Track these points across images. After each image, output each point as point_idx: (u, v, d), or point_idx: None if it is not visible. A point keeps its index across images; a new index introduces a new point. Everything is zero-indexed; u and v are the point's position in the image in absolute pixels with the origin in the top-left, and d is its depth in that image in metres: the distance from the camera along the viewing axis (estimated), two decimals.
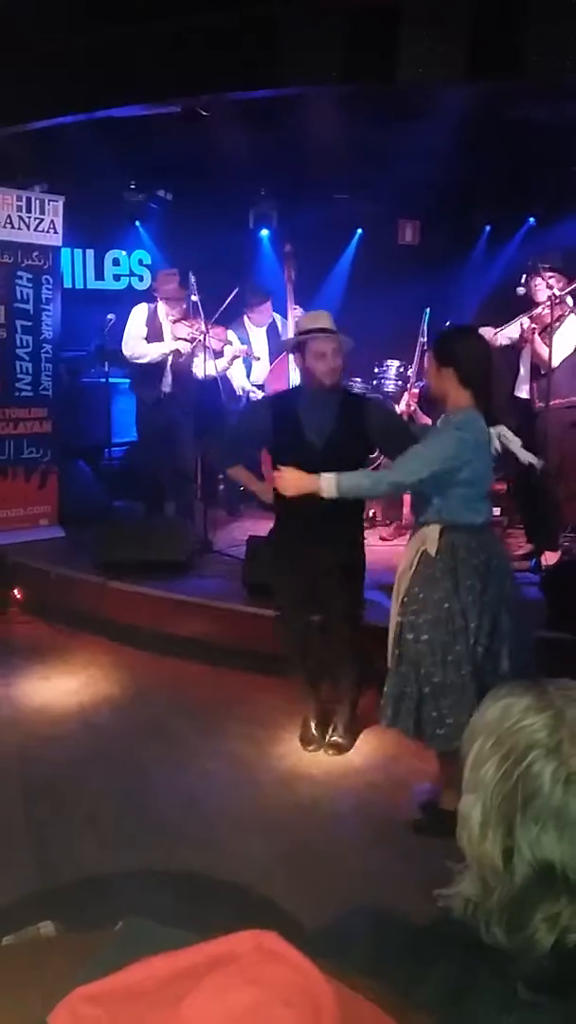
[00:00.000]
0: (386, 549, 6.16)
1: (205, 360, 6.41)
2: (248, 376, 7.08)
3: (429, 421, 6.46)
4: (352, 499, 3.50)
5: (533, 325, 5.76)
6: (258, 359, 7.02)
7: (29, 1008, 0.96)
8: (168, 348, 6.44)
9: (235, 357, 6.74)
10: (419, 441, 3.36)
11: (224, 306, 6.45)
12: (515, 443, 3.26)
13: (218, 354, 6.61)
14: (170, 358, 6.47)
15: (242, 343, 6.92)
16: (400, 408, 6.87)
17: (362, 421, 3.78)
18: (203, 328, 6.33)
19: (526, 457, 3.35)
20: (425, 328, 6.87)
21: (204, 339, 6.34)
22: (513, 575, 3.43)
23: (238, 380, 7.01)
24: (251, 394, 7.02)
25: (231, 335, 6.82)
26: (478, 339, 3.42)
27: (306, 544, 3.86)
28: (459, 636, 3.15)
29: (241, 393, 7.04)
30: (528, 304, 5.88)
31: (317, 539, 3.79)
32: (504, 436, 3.24)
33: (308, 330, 3.80)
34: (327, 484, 3.23)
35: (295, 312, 6.95)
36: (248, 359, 6.91)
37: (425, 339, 6.89)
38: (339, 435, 3.76)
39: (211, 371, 6.48)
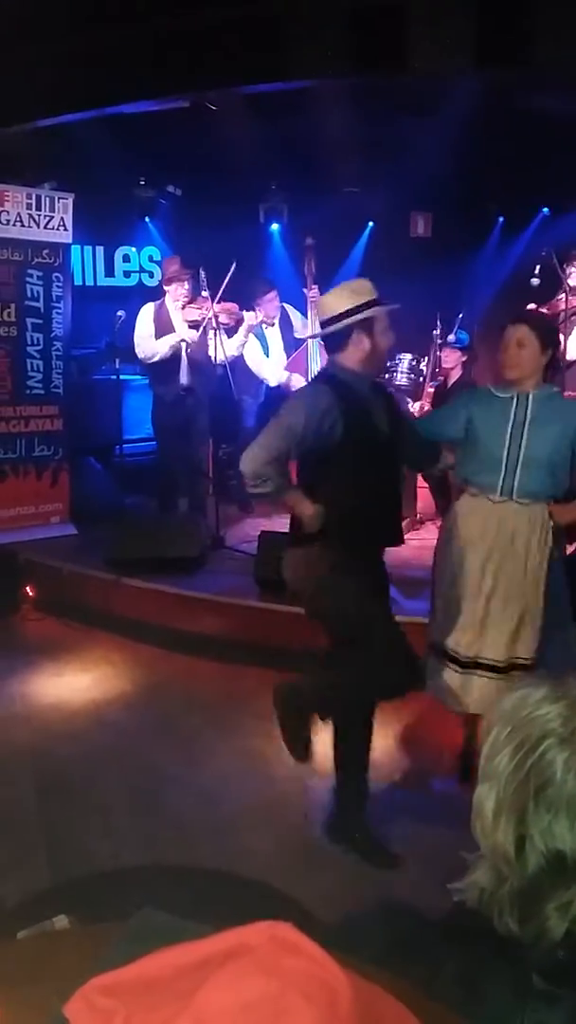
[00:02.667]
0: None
1: (219, 341, 6.36)
2: (267, 353, 7.02)
3: None
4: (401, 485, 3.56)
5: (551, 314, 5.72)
6: (272, 324, 6.99)
7: (45, 1000, 0.96)
8: (176, 339, 6.42)
9: (250, 328, 6.70)
10: (414, 433, 3.49)
11: (224, 282, 6.40)
12: None
13: (232, 331, 6.59)
14: (184, 348, 6.45)
15: (258, 338, 6.91)
16: (414, 409, 6.86)
17: (395, 411, 3.45)
18: (212, 307, 6.31)
19: None
20: (438, 322, 6.86)
21: (215, 318, 6.31)
22: None
23: (255, 363, 6.96)
24: (267, 383, 7.00)
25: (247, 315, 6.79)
26: None
27: (377, 555, 3.38)
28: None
29: (276, 384, 6.99)
30: (542, 294, 5.84)
31: (395, 539, 3.37)
32: None
33: (370, 301, 3.17)
34: None
35: (312, 292, 6.88)
36: (259, 329, 6.88)
37: (439, 334, 6.88)
38: (392, 420, 3.32)
39: (229, 352, 6.45)
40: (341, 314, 3.14)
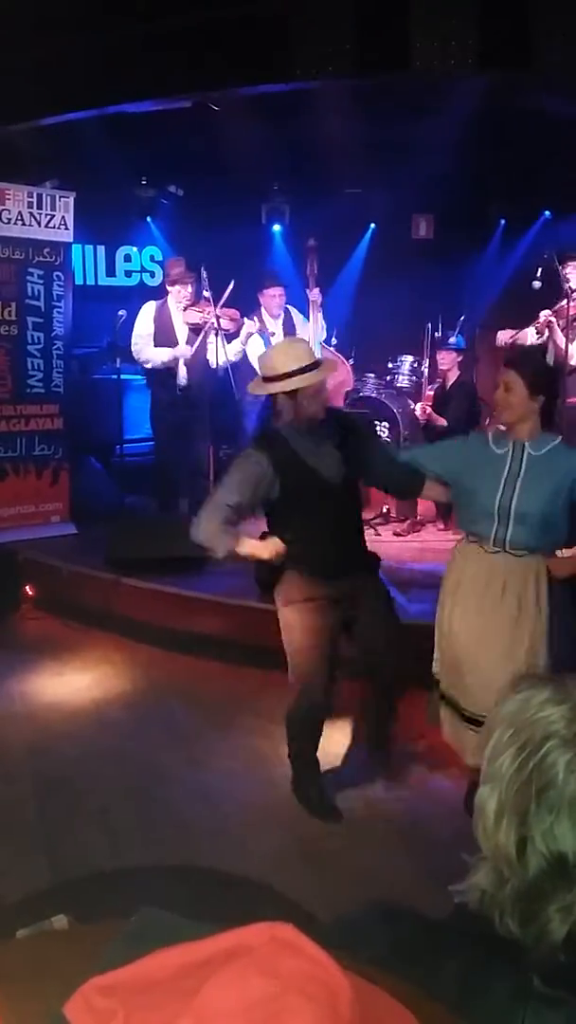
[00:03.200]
0: (399, 545, 6.15)
1: (218, 346, 6.36)
2: None
3: (444, 422, 6.45)
4: (358, 514, 3.70)
5: (556, 319, 5.71)
6: (273, 334, 6.99)
7: (45, 1000, 0.96)
8: (171, 355, 6.41)
9: (250, 334, 6.70)
10: (398, 465, 3.45)
11: (227, 293, 6.40)
12: None
13: (232, 336, 6.59)
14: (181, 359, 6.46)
15: (263, 337, 6.90)
16: (416, 410, 6.86)
17: (357, 446, 3.59)
18: (214, 311, 6.30)
19: None
20: (429, 328, 6.86)
21: (217, 321, 6.31)
22: None
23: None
24: None
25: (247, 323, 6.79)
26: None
27: (339, 577, 3.50)
28: None
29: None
30: (544, 296, 5.84)
31: (350, 569, 3.55)
32: None
33: (293, 371, 3.33)
34: None
35: (313, 293, 6.88)
36: (264, 334, 6.88)
37: (439, 337, 6.88)
38: (339, 457, 3.51)
39: (228, 357, 6.45)
40: (273, 377, 3.37)
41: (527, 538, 3.16)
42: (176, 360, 6.44)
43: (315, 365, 3.36)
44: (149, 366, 6.48)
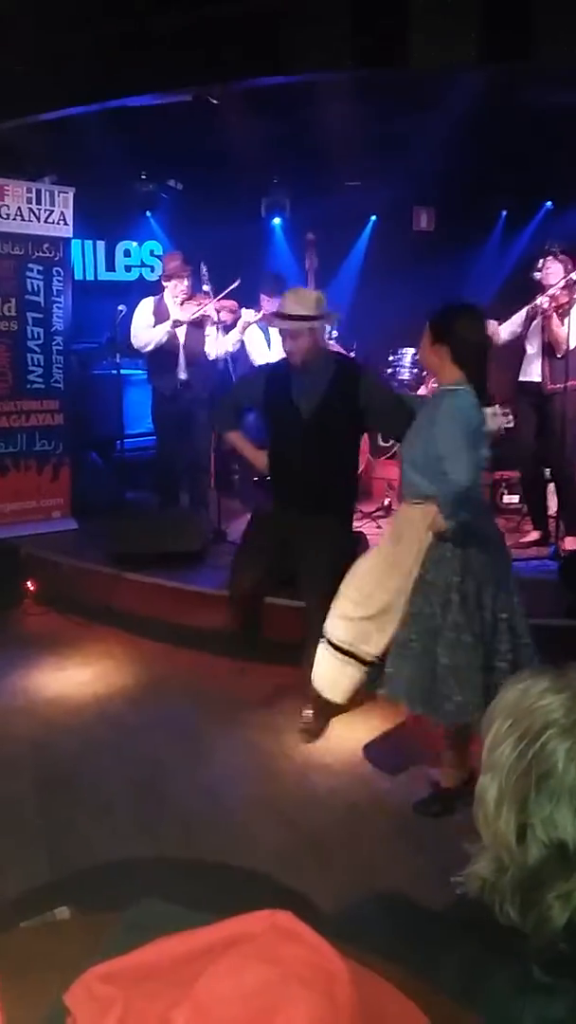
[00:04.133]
0: None
1: (217, 336, 6.35)
2: (269, 346, 7.03)
3: None
4: (345, 475, 4.08)
5: (552, 304, 5.69)
6: (270, 322, 6.97)
7: (47, 988, 0.96)
8: (169, 325, 6.39)
9: (248, 324, 6.69)
10: (413, 413, 3.49)
11: (226, 292, 6.40)
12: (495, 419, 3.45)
13: (229, 327, 6.58)
14: (181, 340, 6.44)
15: (261, 329, 6.89)
16: (420, 393, 6.85)
17: (355, 395, 3.95)
18: (212, 303, 6.29)
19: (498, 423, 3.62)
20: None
21: (216, 315, 6.30)
22: (501, 549, 3.41)
23: (258, 354, 6.96)
24: None
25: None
26: (476, 317, 3.33)
27: (295, 511, 3.98)
28: (474, 616, 3.16)
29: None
30: (542, 287, 5.83)
31: (306, 508, 3.95)
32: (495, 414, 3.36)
33: (285, 315, 3.95)
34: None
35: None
36: (263, 324, 6.88)
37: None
38: (328, 405, 3.94)
39: (225, 347, 6.44)
40: (279, 315, 4.02)
41: (410, 486, 3.31)
42: (178, 343, 6.42)
43: (305, 318, 3.87)
44: (152, 346, 6.44)
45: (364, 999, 0.82)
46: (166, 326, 6.40)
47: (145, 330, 6.43)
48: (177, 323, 6.40)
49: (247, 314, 6.66)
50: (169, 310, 6.46)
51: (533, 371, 5.88)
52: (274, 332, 6.97)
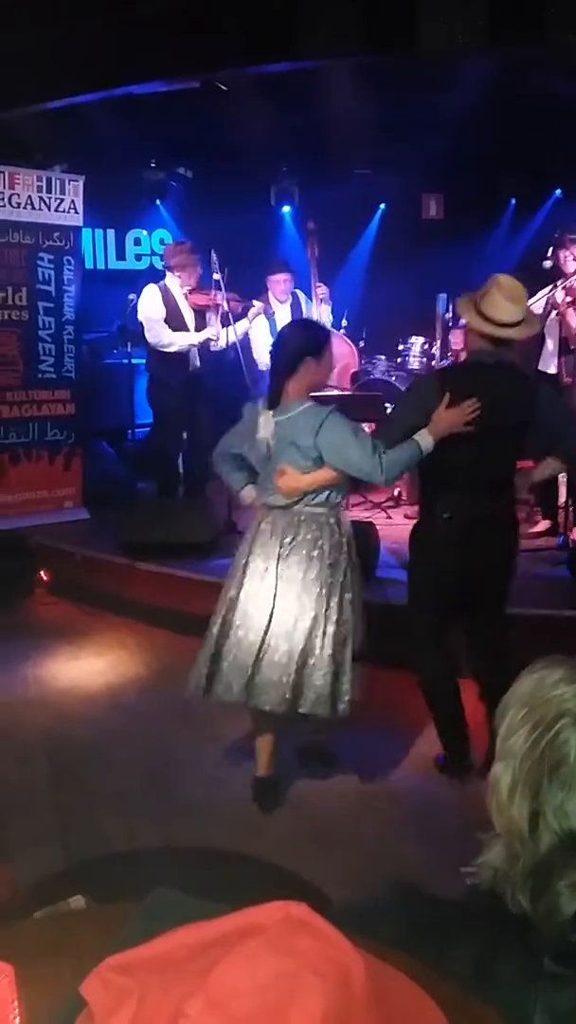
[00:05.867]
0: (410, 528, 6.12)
1: (227, 328, 6.33)
2: (274, 336, 7.00)
3: None
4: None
5: (568, 297, 5.66)
6: (283, 302, 6.95)
7: (62, 978, 0.97)
8: (197, 339, 6.33)
9: (257, 314, 6.68)
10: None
11: (223, 277, 6.38)
12: None
13: (239, 316, 6.56)
14: (193, 330, 6.43)
15: (268, 317, 6.87)
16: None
17: None
18: (219, 297, 6.26)
19: None
20: (443, 308, 6.83)
21: (227, 304, 6.28)
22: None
23: (261, 347, 6.94)
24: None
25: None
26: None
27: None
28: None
29: (265, 369, 6.99)
30: (555, 276, 5.79)
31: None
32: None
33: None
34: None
35: (319, 290, 6.90)
36: (272, 319, 6.87)
37: (451, 316, 6.85)
38: None
39: (232, 337, 6.41)
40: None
41: None
42: (189, 327, 6.41)
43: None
44: (173, 349, 6.40)
45: (379, 991, 0.82)
46: (190, 339, 6.32)
47: (163, 328, 6.29)
48: (195, 345, 6.37)
49: (257, 306, 6.65)
50: (177, 301, 6.43)
51: (551, 363, 5.86)
52: (282, 322, 6.97)
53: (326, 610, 3.29)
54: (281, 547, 3.31)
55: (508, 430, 3.32)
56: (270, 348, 3.66)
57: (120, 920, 1.09)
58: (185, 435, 6.63)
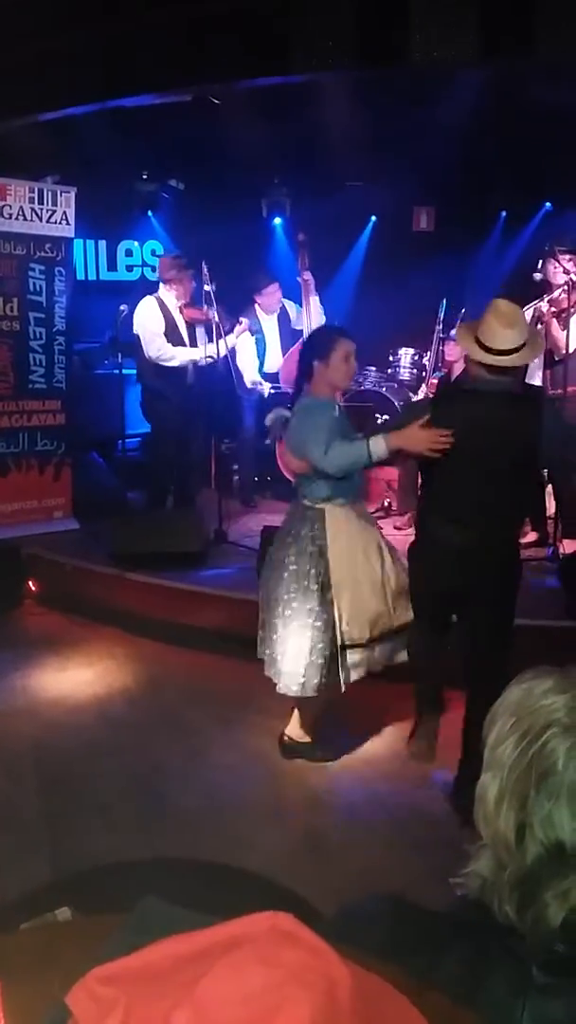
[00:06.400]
0: (400, 538, 6.14)
1: (217, 341, 6.36)
2: (262, 366, 7.05)
3: None
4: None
5: (552, 308, 5.70)
6: (272, 313, 7.00)
7: (47, 990, 0.96)
8: (198, 355, 6.41)
9: (242, 331, 6.72)
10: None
11: (231, 327, 6.46)
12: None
13: (226, 332, 6.60)
14: (187, 342, 6.46)
15: (253, 332, 6.90)
16: (418, 398, 6.86)
17: None
18: (212, 313, 6.29)
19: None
20: (441, 317, 6.85)
21: (218, 319, 6.30)
22: None
23: (249, 373, 6.98)
24: (259, 387, 6.99)
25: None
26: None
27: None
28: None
29: (251, 386, 7.02)
30: (544, 289, 5.83)
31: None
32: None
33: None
34: None
35: (313, 301, 6.93)
36: (261, 339, 6.89)
37: (441, 327, 6.87)
38: None
39: (221, 350, 6.44)
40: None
41: None
42: (184, 339, 6.45)
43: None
44: (175, 363, 6.44)
45: (365, 1002, 0.82)
46: (190, 355, 6.41)
47: (164, 342, 6.36)
48: (194, 361, 6.43)
49: (245, 321, 6.69)
50: (172, 314, 6.47)
51: (535, 375, 5.89)
52: (269, 338, 7.03)
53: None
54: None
55: (506, 458, 3.27)
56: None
57: (106, 932, 1.08)
58: (178, 447, 6.66)
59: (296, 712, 3.91)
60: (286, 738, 3.95)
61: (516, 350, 3.22)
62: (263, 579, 3.87)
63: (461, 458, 3.24)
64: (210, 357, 6.41)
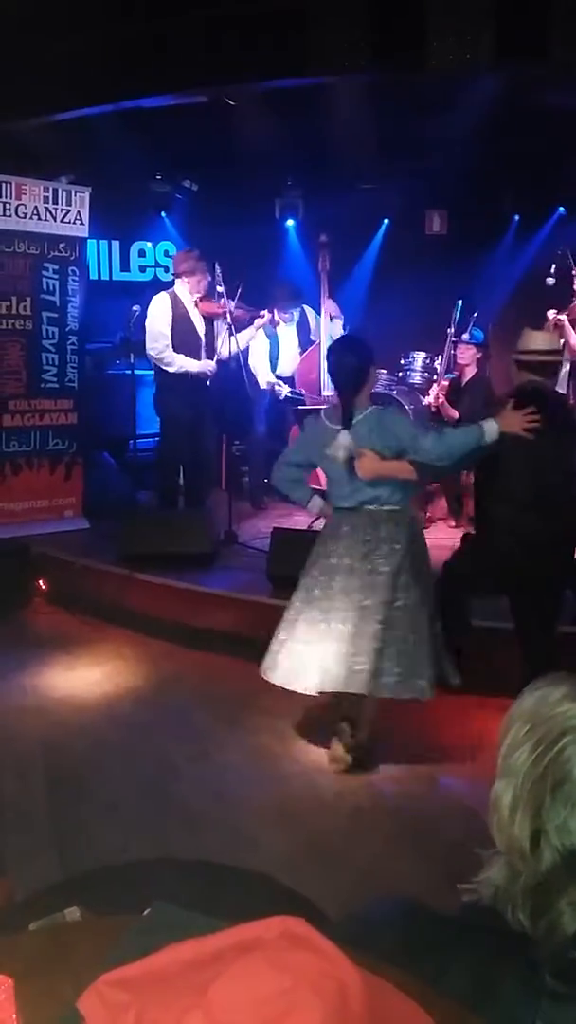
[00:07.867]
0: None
1: (230, 336, 6.36)
2: (274, 369, 7.06)
3: (456, 414, 6.43)
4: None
5: (570, 316, 5.70)
6: (277, 324, 7.01)
7: (58, 990, 0.97)
8: (197, 367, 6.41)
9: (263, 323, 6.73)
10: None
11: (237, 293, 6.42)
12: None
13: (244, 327, 6.58)
14: (203, 339, 6.46)
15: (268, 336, 6.90)
16: (428, 400, 6.84)
17: None
18: (228, 306, 6.29)
19: None
20: (455, 318, 6.84)
21: (230, 315, 6.31)
22: None
23: (263, 374, 6.98)
24: (276, 387, 6.99)
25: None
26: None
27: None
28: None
29: (266, 387, 7.02)
30: (557, 294, 5.82)
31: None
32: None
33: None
34: None
35: (328, 306, 6.94)
36: (275, 341, 6.89)
37: (454, 330, 6.86)
38: None
39: (235, 347, 6.44)
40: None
41: None
42: (199, 336, 6.45)
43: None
44: (173, 369, 6.42)
45: (375, 1007, 0.82)
46: (196, 366, 6.41)
47: (169, 345, 6.37)
48: (205, 373, 6.45)
49: (264, 315, 6.68)
50: (187, 308, 6.45)
51: (561, 383, 5.89)
52: (284, 343, 7.02)
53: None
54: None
55: (558, 450, 3.70)
56: (328, 372, 4.03)
57: (116, 932, 1.08)
58: (189, 446, 6.66)
59: (367, 718, 3.80)
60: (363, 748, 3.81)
61: (552, 352, 3.92)
62: (322, 603, 3.76)
63: (520, 447, 3.61)
64: (207, 372, 6.42)
